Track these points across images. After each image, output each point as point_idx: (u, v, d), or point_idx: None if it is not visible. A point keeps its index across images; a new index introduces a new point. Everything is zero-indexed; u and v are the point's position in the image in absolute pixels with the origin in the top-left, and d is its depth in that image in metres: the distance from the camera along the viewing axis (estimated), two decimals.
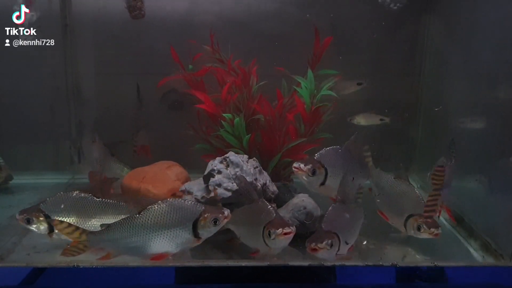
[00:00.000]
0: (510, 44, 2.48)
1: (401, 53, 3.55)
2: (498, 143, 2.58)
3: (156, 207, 2.11)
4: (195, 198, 2.64)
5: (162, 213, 2.10)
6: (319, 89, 3.06)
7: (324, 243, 2.04)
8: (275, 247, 2.16)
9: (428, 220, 2.32)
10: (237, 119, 2.96)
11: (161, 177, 2.93)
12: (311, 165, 2.33)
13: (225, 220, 2.14)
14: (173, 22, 3.38)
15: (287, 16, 3.37)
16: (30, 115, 3.49)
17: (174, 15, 3.38)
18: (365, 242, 2.54)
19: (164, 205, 2.12)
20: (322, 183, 2.38)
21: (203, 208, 2.14)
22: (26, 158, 3.53)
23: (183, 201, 2.19)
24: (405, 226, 2.40)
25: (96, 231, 2.13)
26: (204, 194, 2.64)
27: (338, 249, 2.12)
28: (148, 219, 2.09)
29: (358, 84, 3.31)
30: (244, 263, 2.21)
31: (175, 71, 3.20)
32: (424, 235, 2.32)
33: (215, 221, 2.11)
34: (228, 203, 2.52)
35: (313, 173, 2.33)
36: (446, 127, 3.23)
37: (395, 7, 3.22)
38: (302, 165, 2.33)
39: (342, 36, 3.35)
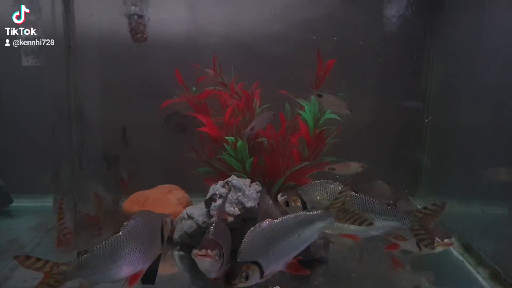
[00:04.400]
0: None
1: (405, 76, 3.52)
2: (506, 168, 2.53)
3: (133, 223, 2.07)
4: (196, 223, 2.59)
5: (139, 228, 2.07)
6: (322, 112, 3.03)
7: (214, 251, 1.99)
8: (200, 267, 2.08)
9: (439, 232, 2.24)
10: (240, 142, 2.93)
11: (162, 201, 2.90)
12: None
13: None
14: (176, 45, 3.39)
15: (290, 39, 3.37)
16: (31, 137, 3.47)
17: (177, 38, 3.39)
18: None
19: (138, 218, 2.10)
20: None
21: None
22: (27, 180, 3.49)
23: (149, 212, 2.23)
24: (418, 245, 2.29)
25: (71, 262, 1.95)
26: (205, 219, 2.60)
27: (221, 265, 2.06)
28: (130, 236, 2.02)
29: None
30: None
31: (178, 93, 3.19)
32: (440, 248, 2.24)
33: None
34: (230, 228, 2.46)
35: None
36: (452, 152, 3.18)
37: (399, 30, 3.21)
38: None
39: (346, 60, 3.32)
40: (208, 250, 1.99)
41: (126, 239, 2.01)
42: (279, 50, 3.37)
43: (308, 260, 2.52)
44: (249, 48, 3.39)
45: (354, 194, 2.22)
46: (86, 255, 1.96)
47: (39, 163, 3.48)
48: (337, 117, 3.01)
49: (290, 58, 3.37)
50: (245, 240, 2.11)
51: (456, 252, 2.78)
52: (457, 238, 2.86)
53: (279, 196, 2.32)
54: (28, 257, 1.91)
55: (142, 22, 2.97)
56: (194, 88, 3.20)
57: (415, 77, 3.50)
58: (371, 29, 3.30)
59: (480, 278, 2.48)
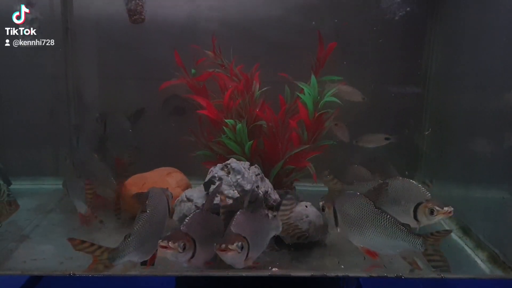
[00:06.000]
0: None
1: (406, 60, 3.49)
2: (505, 151, 2.52)
3: (152, 201, 2.21)
4: (195, 206, 2.59)
5: (158, 204, 2.23)
6: (322, 96, 3.01)
7: (235, 244, 1.93)
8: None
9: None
10: (239, 125, 2.91)
11: (161, 184, 2.87)
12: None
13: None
14: (175, 26, 3.36)
15: (290, 22, 3.34)
16: (29, 119, 3.46)
17: (176, 19, 3.36)
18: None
19: (154, 195, 2.26)
20: None
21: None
22: (25, 162, 3.50)
23: (157, 188, 2.40)
24: (415, 218, 2.34)
25: (117, 247, 1.99)
26: (204, 202, 2.59)
27: (247, 255, 2.02)
28: (155, 213, 2.17)
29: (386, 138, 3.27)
30: (244, 272, 2.15)
31: (177, 75, 3.17)
32: (439, 216, 2.30)
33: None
34: (229, 210, 2.46)
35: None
36: (452, 135, 3.17)
37: (400, 13, 3.18)
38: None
39: (347, 43, 3.30)
40: (170, 242, 1.90)
41: (153, 216, 2.14)
42: (279, 33, 3.34)
43: (307, 243, 2.53)
44: (248, 30, 3.36)
45: (374, 209, 2.22)
46: (130, 238, 2.02)
47: (38, 145, 3.47)
48: (337, 100, 2.99)
49: (290, 40, 3.34)
50: (238, 217, 2.15)
51: (455, 235, 2.78)
52: (456, 221, 2.87)
53: (320, 199, 2.42)
54: (82, 241, 1.98)
55: (140, 3, 2.93)
56: (193, 70, 3.17)
57: (415, 60, 3.48)
58: (372, 11, 3.27)
59: (478, 261, 2.49)
